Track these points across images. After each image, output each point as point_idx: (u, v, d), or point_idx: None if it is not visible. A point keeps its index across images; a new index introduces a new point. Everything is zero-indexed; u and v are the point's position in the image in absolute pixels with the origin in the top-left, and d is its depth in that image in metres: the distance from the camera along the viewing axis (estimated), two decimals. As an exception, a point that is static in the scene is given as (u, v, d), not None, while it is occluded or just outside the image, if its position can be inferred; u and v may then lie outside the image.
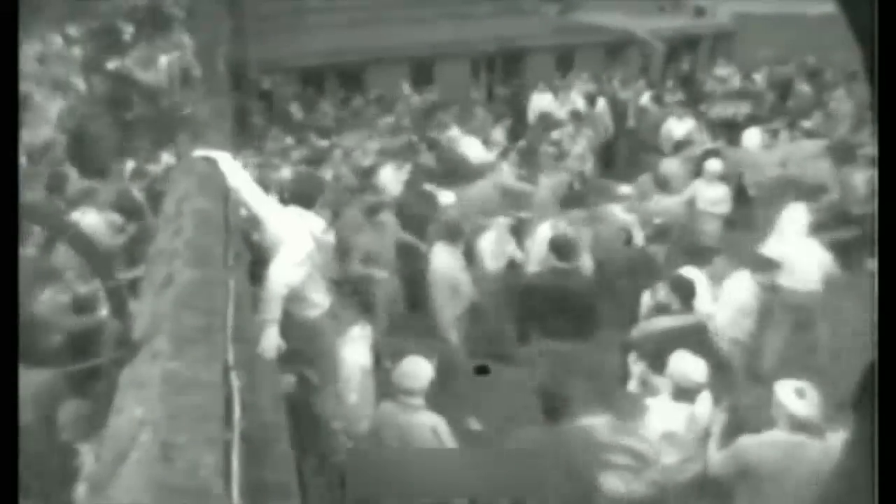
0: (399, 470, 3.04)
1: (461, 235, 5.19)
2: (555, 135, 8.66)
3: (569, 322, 4.61)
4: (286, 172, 7.35)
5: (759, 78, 11.99)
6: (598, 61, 14.99)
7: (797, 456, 3.06)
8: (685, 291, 4.39)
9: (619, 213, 6.24)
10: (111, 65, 8.83)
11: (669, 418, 3.51)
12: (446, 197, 6.32)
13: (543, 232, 5.64)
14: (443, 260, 5.12)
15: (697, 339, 4.11)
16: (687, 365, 3.55)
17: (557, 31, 15.86)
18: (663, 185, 6.93)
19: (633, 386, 3.91)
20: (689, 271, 4.80)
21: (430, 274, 5.20)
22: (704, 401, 3.56)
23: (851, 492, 1.45)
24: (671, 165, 7.64)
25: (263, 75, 12.95)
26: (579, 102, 10.85)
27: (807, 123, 8.80)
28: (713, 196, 6.78)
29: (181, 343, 2.03)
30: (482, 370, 4.64)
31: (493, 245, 5.69)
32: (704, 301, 4.66)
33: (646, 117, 10.33)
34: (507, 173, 7.21)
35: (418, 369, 3.53)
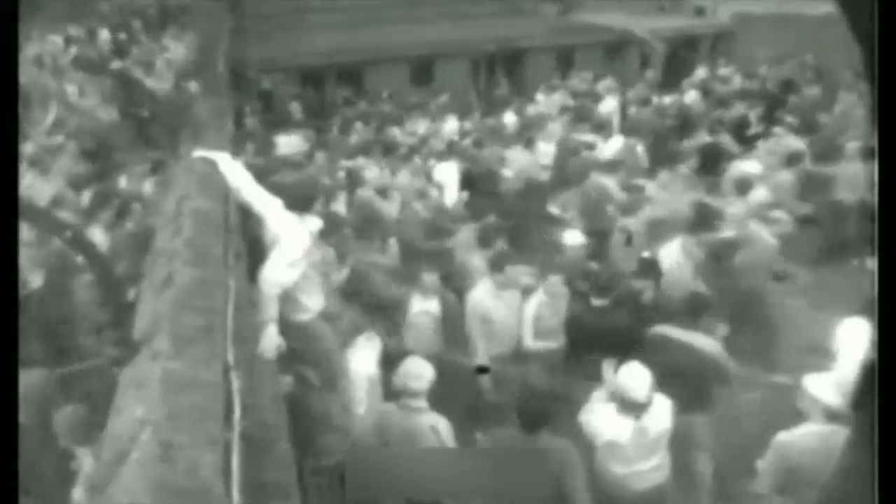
0: (399, 470, 3.04)
1: (502, 272, 4.61)
2: (588, 137, 8.34)
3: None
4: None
5: (766, 76, 11.90)
6: (598, 61, 14.99)
7: (833, 444, 3.05)
8: (695, 310, 4.14)
9: (766, 236, 5.27)
10: (110, 65, 8.83)
11: (614, 427, 3.44)
12: (573, 237, 5.40)
13: (675, 255, 4.90)
14: (480, 291, 4.63)
15: (712, 367, 3.96)
16: (631, 380, 3.41)
17: (557, 31, 15.86)
18: (744, 188, 6.23)
19: (603, 390, 3.73)
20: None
21: (467, 303, 4.70)
22: (660, 414, 3.47)
23: (852, 491, 1.45)
24: (753, 165, 6.83)
25: (263, 75, 12.95)
26: (609, 103, 10.70)
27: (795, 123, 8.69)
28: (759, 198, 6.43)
29: (181, 343, 2.03)
30: (482, 370, 4.62)
31: (544, 311, 4.65)
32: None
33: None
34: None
35: (419, 370, 3.53)
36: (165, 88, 8.22)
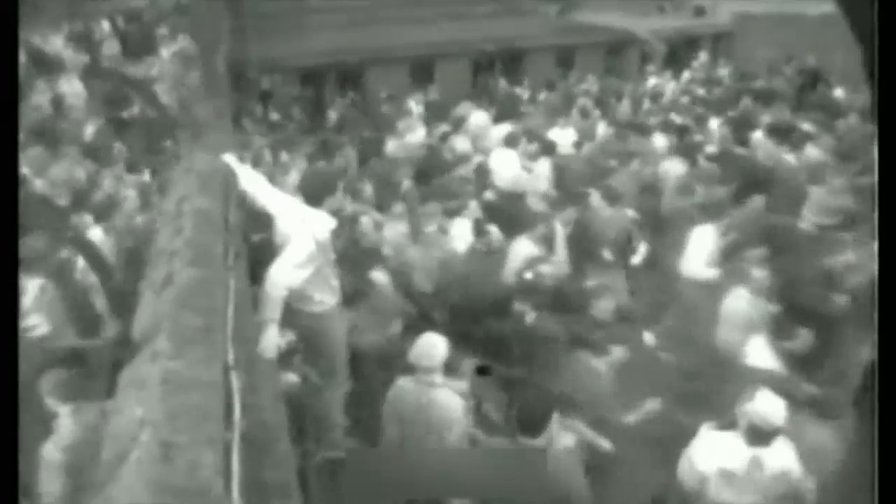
0: (399, 470, 3.04)
1: None
2: None
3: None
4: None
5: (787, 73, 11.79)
6: (598, 61, 14.99)
7: None
8: None
9: None
10: (109, 65, 8.83)
11: (729, 455, 3.26)
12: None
13: None
14: None
15: None
16: (767, 406, 3.19)
17: (557, 31, 15.86)
18: None
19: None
20: None
21: None
22: (782, 451, 3.24)
23: (852, 491, 1.45)
24: None
25: (263, 75, 12.95)
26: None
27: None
28: None
29: (181, 343, 2.04)
30: (483, 370, 4.61)
31: None
32: None
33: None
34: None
35: (432, 346, 3.52)
36: (165, 89, 8.23)
